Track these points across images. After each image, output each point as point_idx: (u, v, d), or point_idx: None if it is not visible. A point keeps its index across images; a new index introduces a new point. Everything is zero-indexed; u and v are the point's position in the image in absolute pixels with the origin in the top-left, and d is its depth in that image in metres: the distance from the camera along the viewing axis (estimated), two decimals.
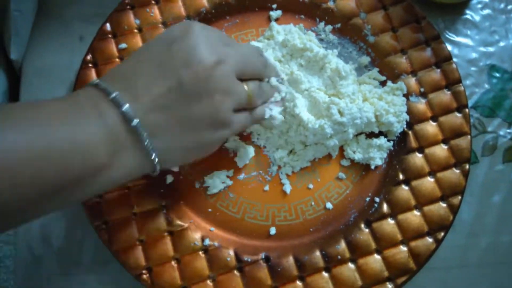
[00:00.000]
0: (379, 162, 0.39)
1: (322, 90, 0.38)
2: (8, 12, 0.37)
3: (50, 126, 0.25)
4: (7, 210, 0.24)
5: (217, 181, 0.38)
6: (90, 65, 0.39)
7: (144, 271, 0.35)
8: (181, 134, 0.29)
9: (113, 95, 0.27)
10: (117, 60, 0.40)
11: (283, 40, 0.38)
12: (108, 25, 0.40)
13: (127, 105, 0.27)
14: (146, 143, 0.28)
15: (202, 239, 0.37)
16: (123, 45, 0.40)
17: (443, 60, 0.41)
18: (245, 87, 0.32)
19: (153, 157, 0.28)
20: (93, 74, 0.39)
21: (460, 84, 0.41)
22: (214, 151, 0.33)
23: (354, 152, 0.39)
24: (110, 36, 0.40)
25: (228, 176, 0.39)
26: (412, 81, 0.41)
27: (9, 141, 0.23)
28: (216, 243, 0.37)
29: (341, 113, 0.37)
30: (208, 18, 0.42)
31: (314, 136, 0.38)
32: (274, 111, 0.37)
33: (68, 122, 0.26)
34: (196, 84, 0.28)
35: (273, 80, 0.37)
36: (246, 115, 0.33)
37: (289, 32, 0.40)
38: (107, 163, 0.27)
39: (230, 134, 0.32)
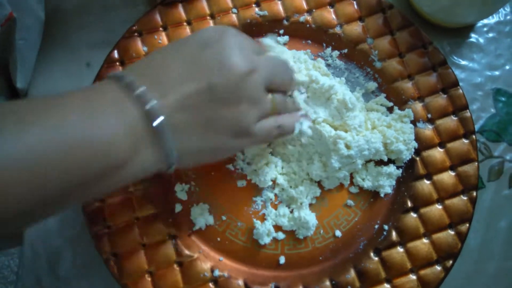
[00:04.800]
0: (388, 190, 0.39)
1: (329, 121, 0.38)
2: (13, 42, 0.36)
3: (68, 123, 0.24)
4: (23, 209, 0.23)
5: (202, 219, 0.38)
6: None
7: None
8: (203, 136, 0.29)
9: (140, 90, 0.27)
10: None
11: None
12: (115, 52, 0.40)
13: (154, 102, 0.26)
14: (168, 143, 0.27)
15: (212, 270, 0.36)
16: None
17: (450, 85, 0.42)
18: (271, 97, 0.32)
19: (172, 156, 0.28)
20: None
21: (467, 110, 0.41)
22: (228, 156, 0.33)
23: (363, 179, 0.39)
24: (117, 63, 0.40)
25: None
26: (419, 107, 0.41)
27: (25, 140, 0.23)
28: (225, 274, 0.36)
29: (348, 147, 0.37)
30: None
31: (324, 173, 0.38)
32: (304, 126, 0.35)
33: (87, 119, 0.25)
34: (226, 89, 0.28)
35: (297, 94, 0.36)
36: (270, 127, 0.32)
37: (297, 60, 0.40)
38: (125, 161, 0.26)
39: (250, 144, 0.32)
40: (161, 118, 0.27)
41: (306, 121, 0.36)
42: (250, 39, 0.33)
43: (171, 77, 0.28)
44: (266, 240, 0.37)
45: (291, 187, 0.39)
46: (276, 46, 0.38)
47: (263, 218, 0.38)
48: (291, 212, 0.38)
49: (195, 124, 0.28)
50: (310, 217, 0.37)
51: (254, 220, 0.38)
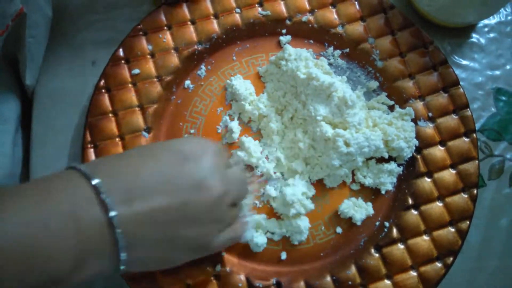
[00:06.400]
0: (389, 187, 0.40)
1: (329, 119, 0.39)
2: (23, 40, 0.37)
3: (14, 222, 0.23)
4: None
5: None
6: (103, 90, 0.40)
7: None
8: (158, 251, 0.28)
9: (104, 196, 0.25)
10: (130, 85, 0.40)
11: (286, 70, 0.40)
12: (121, 50, 0.41)
13: (116, 213, 0.25)
14: (121, 256, 0.26)
15: (214, 265, 0.37)
16: (136, 71, 0.41)
17: (450, 85, 0.42)
18: (231, 212, 0.32)
19: (120, 267, 0.27)
20: (106, 99, 0.40)
21: (468, 109, 0.41)
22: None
23: (364, 176, 0.40)
24: (123, 61, 0.41)
25: None
26: (420, 105, 0.42)
27: None
28: (227, 269, 0.37)
29: (347, 144, 0.37)
30: (219, 43, 0.43)
31: (323, 172, 0.39)
32: (248, 234, 0.36)
33: (34, 221, 0.23)
34: (199, 210, 0.28)
35: (245, 203, 0.36)
36: (225, 241, 0.32)
37: (298, 58, 0.40)
38: (68, 275, 0.24)
39: (202, 256, 0.32)
40: (119, 231, 0.25)
41: (248, 226, 0.36)
42: (224, 153, 0.33)
43: (143, 185, 0.27)
44: (261, 249, 0.38)
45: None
46: (244, 160, 0.39)
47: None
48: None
49: (154, 240, 0.27)
50: (301, 221, 0.37)
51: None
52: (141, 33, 0.42)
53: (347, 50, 0.44)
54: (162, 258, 0.29)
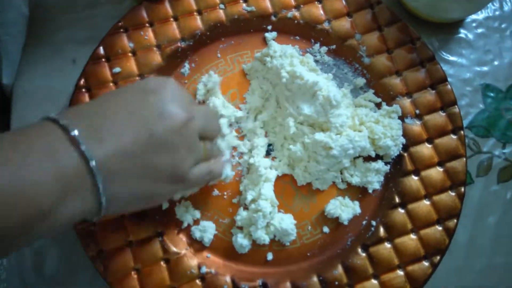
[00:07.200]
0: (376, 186, 0.39)
1: (314, 118, 0.38)
2: None
3: None
4: None
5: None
6: (84, 90, 0.39)
7: None
8: (137, 184, 0.29)
9: (74, 133, 0.26)
10: (111, 84, 0.39)
11: (271, 67, 0.39)
12: (101, 48, 0.40)
13: (87, 146, 0.26)
14: (99, 188, 0.27)
15: (199, 267, 0.36)
16: (117, 69, 0.40)
17: (438, 81, 0.41)
18: (203, 145, 0.33)
19: (103, 203, 0.27)
20: (86, 98, 0.39)
21: (456, 106, 0.41)
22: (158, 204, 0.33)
23: (351, 175, 0.39)
24: (103, 60, 0.40)
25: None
26: (407, 102, 0.41)
27: None
28: (212, 270, 0.36)
29: (329, 148, 0.37)
30: (203, 40, 0.42)
31: (309, 176, 0.38)
32: (227, 170, 0.37)
33: (13, 162, 0.24)
34: (166, 136, 0.29)
35: (220, 141, 0.37)
36: (202, 173, 0.33)
37: (283, 55, 0.40)
38: (51, 210, 0.25)
39: (181, 189, 0.33)
40: (93, 162, 0.26)
41: (229, 165, 0.38)
42: (187, 91, 0.34)
43: (109, 123, 0.28)
44: (246, 250, 0.37)
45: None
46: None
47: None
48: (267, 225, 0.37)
49: (131, 172, 0.28)
50: (285, 224, 0.37)
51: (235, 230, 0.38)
52: (122, 30, 0.40)
53: (334, 46, 0.43)
54: (141, 193, 0.30)
